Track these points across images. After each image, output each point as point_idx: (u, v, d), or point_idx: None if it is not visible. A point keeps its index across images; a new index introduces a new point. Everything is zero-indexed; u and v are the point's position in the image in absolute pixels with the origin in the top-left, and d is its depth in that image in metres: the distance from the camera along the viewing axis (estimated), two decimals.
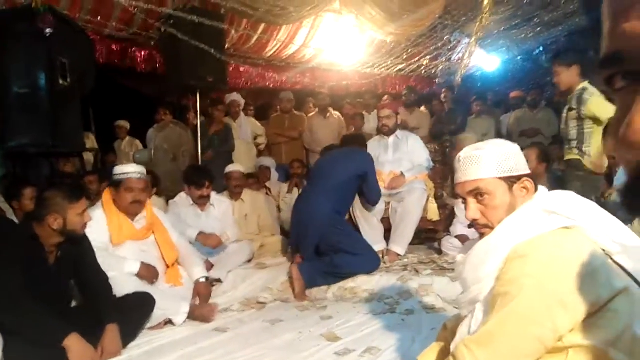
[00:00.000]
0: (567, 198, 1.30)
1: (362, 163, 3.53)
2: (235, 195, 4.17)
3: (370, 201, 3.69)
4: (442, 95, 6.31)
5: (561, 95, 3.53)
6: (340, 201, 3.45)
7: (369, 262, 3.30)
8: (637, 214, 0.30)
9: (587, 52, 3.74)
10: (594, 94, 3.10)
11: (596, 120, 3.12)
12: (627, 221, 1.34)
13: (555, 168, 3.93)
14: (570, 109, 3.27)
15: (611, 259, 1.19)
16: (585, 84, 3.18)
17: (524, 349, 1.15)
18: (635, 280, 1.20)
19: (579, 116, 3.20)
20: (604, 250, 1.19)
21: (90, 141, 6.07)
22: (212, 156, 4.87)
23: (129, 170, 2.80)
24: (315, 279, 3.18)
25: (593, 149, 3.19)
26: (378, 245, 3.73)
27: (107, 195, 2.79)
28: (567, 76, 3.23)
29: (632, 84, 0.29)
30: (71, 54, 3.80)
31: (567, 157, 3.36)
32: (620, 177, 4.16)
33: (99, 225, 2.62)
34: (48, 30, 3.33)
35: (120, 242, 2.71)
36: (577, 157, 3.25)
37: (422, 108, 6.38)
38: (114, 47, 5.16)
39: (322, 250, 3.28)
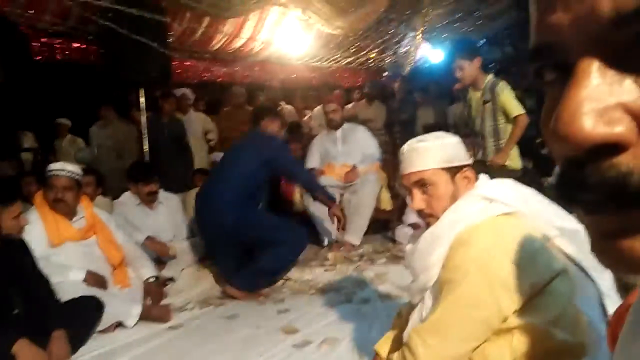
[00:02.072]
0: (507, 186, 1.36)
1: (267, 149, 3.13)
2: None
3: (303, 185, 3.29)
4: (396, 86, 6.38)
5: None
6: (245, 191, 3.05)
7: (296, 244, 3.08)
8: (569, 205, 0.31)
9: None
10: (505, 88, 3.10)
11: (506, 115, 3.12)
12: None
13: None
14: (485, 102, 3.19)
15: (551, 242, 1.26)
16: (492, 76, 3.19)
17: (471, 332, 1.20)
18: (574, 262, 1.28)
19: (493, 110, 3.16)
20: (544, 234, 1.26)
21: (30, 140, 5.76)
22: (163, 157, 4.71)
23: (54, 167, 2.70)
24: (255, 283, 2.98)
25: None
26: (331, 237, 3.76)
27: (40, 196, 2.67)
28: (471, 69, 3.17)
29: (561, 76, 0.30)
30: (2, 50, 3.57)
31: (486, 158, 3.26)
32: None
33: (35, 227, 2.50)
34: None
35: (59, 243, 2.60)
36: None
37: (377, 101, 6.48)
38: (49, 41, 4.90)
39: (242, 248, 3.04)
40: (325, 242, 3.79)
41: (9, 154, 3.98)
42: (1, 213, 2.06)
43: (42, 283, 2.26)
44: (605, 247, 0.29)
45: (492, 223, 1.26)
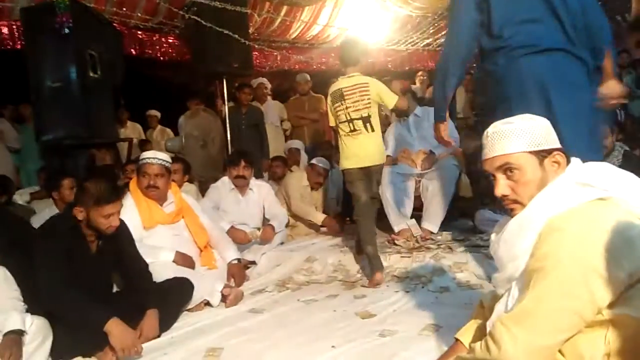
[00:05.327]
0: (602, 169, 1.26)
1: None
2: (317, 185, 4.29)
3: None
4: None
5: None
6: None
7: None
8: None
9: None
10: None
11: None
12: None
13: None
14: None
15: None
16: None
17: (562, 324, 1.13)
18: None
19: None
20: None
21: (137, 131, 6.23)
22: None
23: (146, 155, 2.87)
24: None
25: None
26: (404, 224, 3.69)
27: (133, 182, 2.87)
28: None
29: None
30: (99, 47, 3.88)
31: None
32: None
33: (130, 212, 2.68)
34: (66, 29, 3.39)
35: (151, 226, 2.78)
36: None
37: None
38: (140, 37, 5.23)
39: None
40: (397, 229, 3.72)
41: (105, 145, 4.32)
42: (92, 208, 2.14)
43: (140, 266, 2.43)
44: None
45: (585, 208, 1.17)
